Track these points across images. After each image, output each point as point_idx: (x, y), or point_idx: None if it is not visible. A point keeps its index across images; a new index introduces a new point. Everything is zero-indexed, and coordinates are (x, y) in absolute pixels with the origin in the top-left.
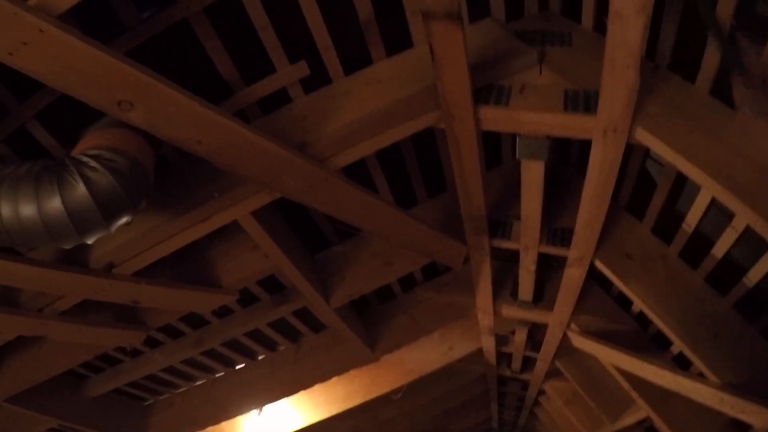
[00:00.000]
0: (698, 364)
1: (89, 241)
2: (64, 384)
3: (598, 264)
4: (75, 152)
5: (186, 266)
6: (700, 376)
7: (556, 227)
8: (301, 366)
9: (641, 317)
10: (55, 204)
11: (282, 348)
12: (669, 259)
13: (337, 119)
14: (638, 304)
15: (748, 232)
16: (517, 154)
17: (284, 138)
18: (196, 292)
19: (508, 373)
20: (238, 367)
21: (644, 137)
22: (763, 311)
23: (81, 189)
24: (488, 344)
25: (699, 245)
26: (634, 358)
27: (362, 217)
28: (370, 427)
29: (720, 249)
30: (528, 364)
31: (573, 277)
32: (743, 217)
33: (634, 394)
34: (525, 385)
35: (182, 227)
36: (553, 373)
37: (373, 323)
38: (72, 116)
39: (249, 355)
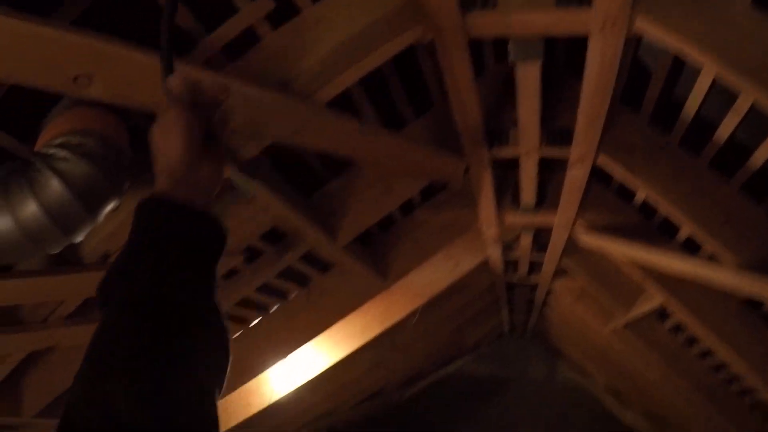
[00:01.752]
0: (713, 247)
1: (78, 239)
2: None
3: (601, 161)
4: (38, 147)
5: None
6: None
7: (555, 128)
8: (317, 308)
9: (644, 208)
10: (30, 209)
11: (293, 295)
12: (671, 148)
13: (314, 51)
14: (647, 196)
15: (751, 113)
16: (510, 58)
17: (262, 81)
18: None
19: (515, 279)
20: (252, 324)
21: (645, 26)
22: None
23: (54, 185)
24: (494, 254)
25: (700, 132)
26: (645, 248)
27: (358, 149)
28: (391, 354)
29: (723, 133)
30: (534, 267)
31: (576, 177)
32: (748, 97)
33: (647, 283)
34: (533, 288)
35: None
36: (560, 273)
37: (378, 253)
38: (29, 106)
39: (262, 309)
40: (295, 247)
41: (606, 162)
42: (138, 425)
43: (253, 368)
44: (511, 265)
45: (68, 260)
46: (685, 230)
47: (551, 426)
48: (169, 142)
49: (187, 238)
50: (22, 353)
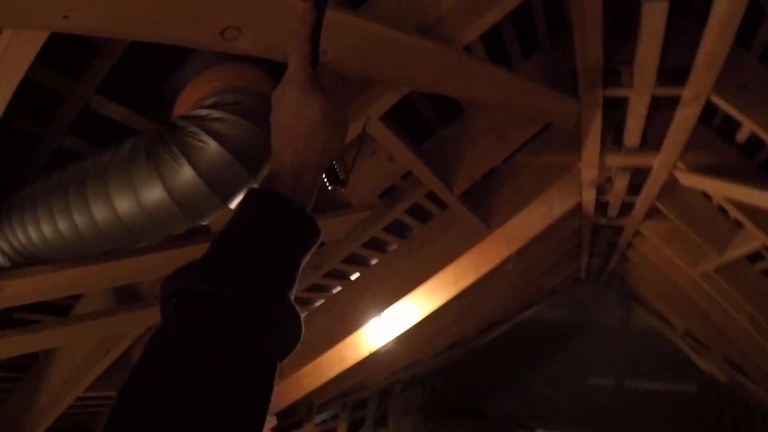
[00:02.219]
0: None
1: (232, 205)
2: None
3: (715, 99)
4: (181, 111)
5: None
6: None
7: (669, 67)
8: (417, 260)
9: (745, 147)
10: (186, 176)
11: (394, 247)
12: None
13: None
14: (754, 134)
15: None
16: None
17: (402, 25)
18: (330, 220)
19: (603, 221)
20: (353, 277)
21: None
22: None
23: (213, 148)
24: (588, 197)
25: None
26: (749, 188)
27: (491, 93)
28: (480, 301)
29: None
30: (625, 209)
31: (687, 116)
32: None
33: (749, 224)
34: (618, 231)
35: None
36: (650, 215)
37: (480, 200)
38: (138, 78)
39: (362, 263)
40: (403, 198)
41: (719, 101)
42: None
43: (351, 323)
44: (601, 207)
45: (195, 231)
46: None
47: (625, 371)
48: (325, 134)
49: (291, 236)
50: (140, 329)
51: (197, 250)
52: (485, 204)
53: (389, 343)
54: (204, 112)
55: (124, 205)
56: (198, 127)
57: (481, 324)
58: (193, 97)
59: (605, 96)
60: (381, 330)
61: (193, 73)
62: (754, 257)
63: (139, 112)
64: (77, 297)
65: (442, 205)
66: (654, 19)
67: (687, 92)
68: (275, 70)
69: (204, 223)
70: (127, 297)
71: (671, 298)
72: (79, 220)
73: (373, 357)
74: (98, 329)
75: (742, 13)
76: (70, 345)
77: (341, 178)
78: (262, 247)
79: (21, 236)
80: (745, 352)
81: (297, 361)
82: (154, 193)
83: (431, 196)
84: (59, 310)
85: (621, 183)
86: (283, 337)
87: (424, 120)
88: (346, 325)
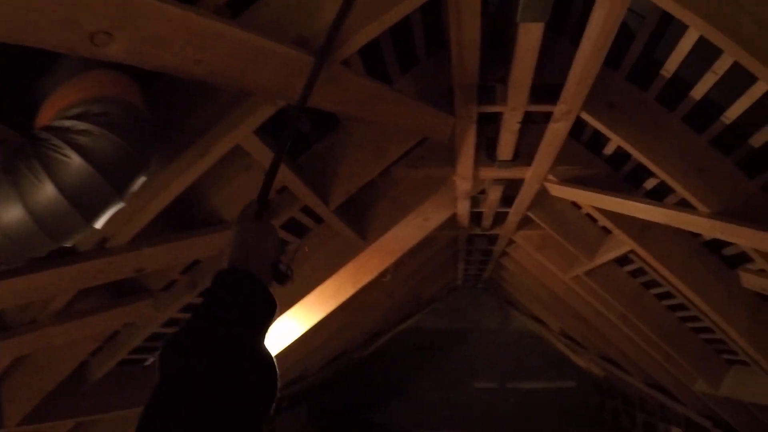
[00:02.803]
0: (688, 196)
1: (99, 225)
2: (66, 380)
3: (584, 115)
4: (44, 121)
5: (176, 211)
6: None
7: (541, 85)
8: (298, 274)
9: (612, 159)
10: (47, 194)
11: None
12: (648, 104)
13: (327, 6)
14: (621, 148)
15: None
16: (518, 18)
17: (279, 36)
18: (200, 237)
19: (478, 231)
20: None
21: None
22: (736, 146)
23: (77, 162)
24: (463, 208)
25: (675, 89)
26: (616, 197)
27: (367, 108)
28: (360, 313)
29: (699, 91)
30: (498, 218)
31: (558, 131)
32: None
33: (617, 231)
34: (493, 240)
35: (178, 171)
36: (523, 224)
37: (357, 213)
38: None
39: None
40: (279, 213)
41: (587, 117)
42: None
43: None
44: (476, 217)
45: (56, 252)
46: (654, 180)
47: (508, 372)
48: (266, 244)
49: (256, 305)
50: (7, 359)
51: (63, 274)
52: (362, 217)
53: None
54: (68, 123)
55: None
56: (61, 139)
57: (364, 335)
58: (57, 106)
59: (480, 112)
60: None
61: (61, 80)
62: (623, 260)
63: (1, 121)
64: None
65: (318, 219)
66: (530, 38)
67: (558, 109)
68: (144, 77)
69: (68, 244)
70: None
71: (546, 301)
72: None
73: None
74: None
75: (614, 34)
76: None
77: (288, 275)
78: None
79: None
80: (619, 347)
81: None
82: (12, 212)
83: (307, 210)
84: None
85: (494, 195)
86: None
87: (299, 133)
88: None
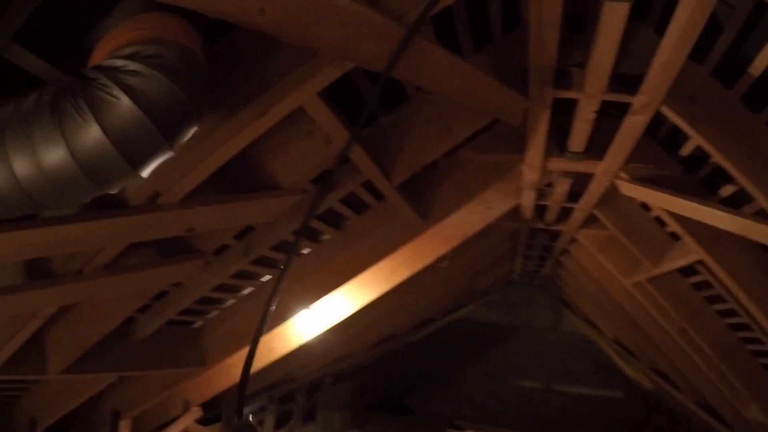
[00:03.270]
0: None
1: (145, 174)
2: (112, 334)
3: (664, 109)
4: (96, 61)
5: (230, 173)
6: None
7: (622, 74)
8: (351, 252)
9: (687, 161)
10: (91, 135)
11: (326, 237)
12: (732, 103)
13: None
14: (700, 148)
15: None
16: None
17: None
18: (256, 201)
19: (541, 225)
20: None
21: None
22: None
23: (125, 104)
24: (528, 200)
25: (762, 90)
26: (690, 201)
27: (442, 81)
28: (413, 298)
29: None
30: (562, 214)
31: (635, 125)
32: None
33: (687, 238)
34: (555, 236)
35: (236, 129)
36: (588, 222)
37: (418, 193)
38: (58, 28)
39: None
40: (340, 186)
41: (667, 112)
42: None
43: (280, 313)
44: (539, 211)
45: (108, 203)
46: (731, 187)
47: (554, 374)
48: None
49: None
50: (53, 308)
51: (113, 225)
52: (423, 198)
53: (319, 335)
54: (119, 62)
55: (21, 165)
56: (110, 79)
57: (414, 321)
58: (110, 47)
59: (555, 97)
60: (310, 322)
61: (117, 21)
62: (688, 270)
63: (59, 66)
64: None
65: (378, 196)
66: (614, 19)
67: (637, 100)
68: (209, 29)
69: (112, 191)
70: (38, 273)
71: (603, 305)
72: None
73: (303, 349)
74: (7, 306)
75: (702, 24)
76: None
77: None
78: None
79: None
80: (673, 361)
81: (223, 350)
82: (55, 153)
83: (368, 185)
84: None
85: (561, 188)
86: None
87: (364, 103)
88: (275, 315)
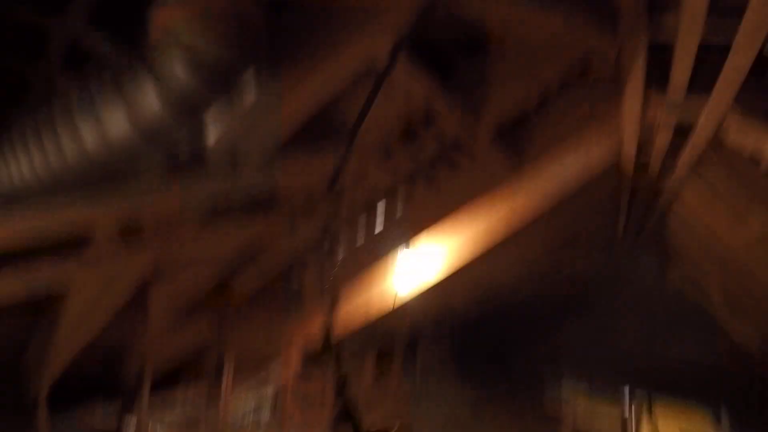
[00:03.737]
0: None
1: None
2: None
3: None
4: (155, 33)
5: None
6: None
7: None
8: (443, 196)
9: None
10: (151, 105)
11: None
12: None
13: None
14: None
15: None
16: None
17: None
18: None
19: (643, 180)
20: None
21: None
22: None
23: (180, 72)
24: (629, 150)
25: None
26: None
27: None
28: (514, 248)
29: None
30: (665, 169)
31: (739, 64)
32: None
33: None
34: (658, 190)
35: (311, 81)
36: (695, 175)
37: (514, 138)
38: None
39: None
40: (430, 135)
41: None
42: None
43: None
44: (642, 163)
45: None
46: None
47: (657, 335)
48: None
49: None
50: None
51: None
52: (519, 143)
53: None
54: (175, 34)
55: (114, 123)
56: (166, 50)
57: (515, 274)
58: (167, 17)
59: (650, 40)
60: (408, 274)
61: None
62: None
63: (128, 42)
64: (83, 239)
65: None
66: None
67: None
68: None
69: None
70: (132, 238)
71: (713, 262)
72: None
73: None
74: (105, 270)
75: None
76: (80, 288)
77: None
78: None
79: (17, 169)
80: None
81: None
82: (118, 122)
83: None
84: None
85: (663, 139)
86: None
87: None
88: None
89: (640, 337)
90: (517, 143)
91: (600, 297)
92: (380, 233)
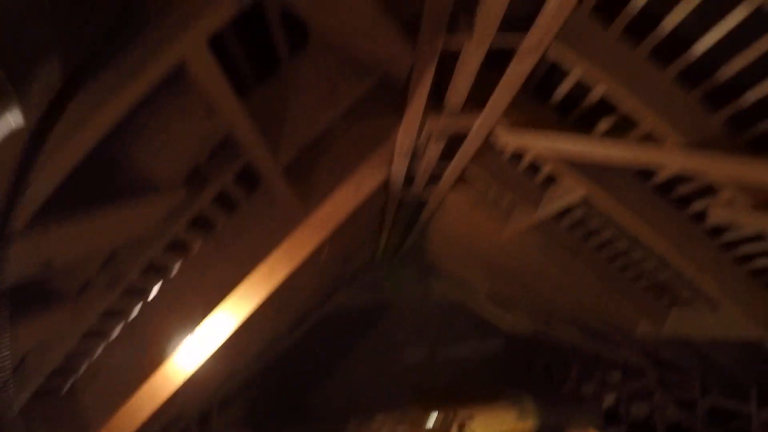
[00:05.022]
0: (658, 128)
1: None
2: None
3: (552, 48)
4: None
5: (86, 175)
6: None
7: (509, 14)
8: (231, 256)
9: (560, 107)
10: None
11: (197, 248)
12: (612, 37)
13: None
14: (596, 81)
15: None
16: None
17: None
18: (127, 210)
19: (409, 194)
20: (153, 293)
21: None
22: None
23: None
24: (400, 168)
25: (641, 25)
26: (580, 138)
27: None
28: (289, 296)
29: (669, 23)
30: (433, 179)
31: (519, 71)
32: None
33: (571, 176)
34: (422, 204)
35: (104, 100)
36: (457, 182)
37: (297, 175)
38: None
39: (160, 272)
40: (212, 180)
41: (558, 49)
42: None
43: (160, 350)
44: (409, 178)
45: None
46: (607, 120)
47: (435, 342)
48: None
49: None
50: None
51: None
52: (303, 181)
53: (204, 363)
54: None
55: None
56: None
57: (289, 322)
58: None
59: (443, 48)
60: (193, 350)
61: None
62: (561, 214)
63: None
64: None
65: (249, 189)
66: None
67: (527, 42)
68: None
69: None
70: None
71: (476, 263)
72: None
73: (189, 381)
74: None
75: None
76: None
77: None
78: None
79: None
80: (553, 300)
81: (105, 409)
82: None
83: (239, 179)
84: None
85: (435, 150)
86: None
87: (240, 73)
88: (154, 352)
89: (423, 351)
90: (304, 177)
91: (377, 321)
92: (155, 302)
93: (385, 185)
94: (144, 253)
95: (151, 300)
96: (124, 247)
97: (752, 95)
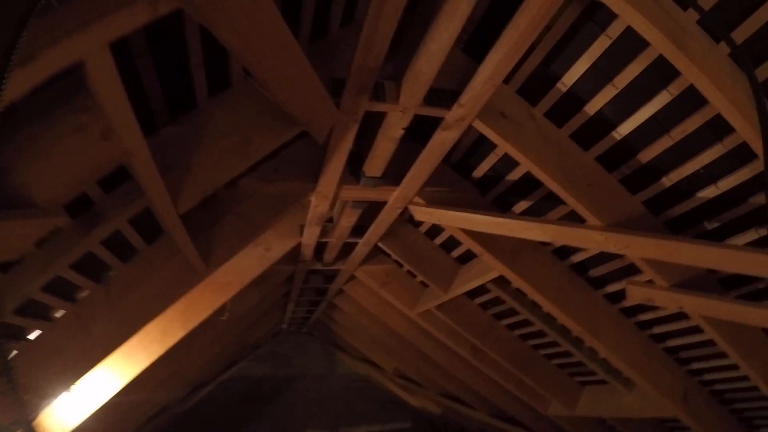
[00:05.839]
0: (580, 209)
1: None
2: None
3: (476, 124)
4: None
5: None
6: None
7: (437, 87)
8: (117, 311)
9: (479, 183)
10: None
11: (85, 294)
12: (537, 118)
13: None
14: (521, 161)
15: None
16: None
17: None
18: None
19: (319, 265)
20: (32, 336)
21: None
22: (621, 162)
23: None
24: (311, 236)
25: (566, 105)
26: (493, 217)
27: (263, 50)
28: (188, 361)
29: (593, 107)
30: (344, 252)
31: (444, 141)
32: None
33: (487, 256)
34: (331, 277)
35: None
36: (367, 257)
37: (197, 231)
38: None
39: (41, 315)
40: (105, 220)
41: (482, 126)
42: None
43: (31, 401)
44: (319, 249)
45: None
46: (525, 203)
47: (339, 418)
48: None
49: None
50: None
51: None
52: (202, 237)
53: (84, 422)
54: None
55: None
56: None
57: (186, 387)
58: None
59: (366, 110)
60: (73, 408)
61: None
62: (473, 293)
63: None
64: None
65: (149, 238)
66: (456, 12)
67: (452, 114)
68: None
69: None
70: None
71: (381, 341)
72: None
73: None
74: None
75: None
76: None
77: None
78: None
79: None
80: (461, 381)
81: None
82: None
83: (138, 223)
84: None
85: (348, 221)
86: None
87: (149, 110)
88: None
89: (325, 427)
90: (203, 232)
91: (278, 394)
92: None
93: (295, 252)
94: (20, 290)
95: (30, 342)
96: None
97: (671, 178)
